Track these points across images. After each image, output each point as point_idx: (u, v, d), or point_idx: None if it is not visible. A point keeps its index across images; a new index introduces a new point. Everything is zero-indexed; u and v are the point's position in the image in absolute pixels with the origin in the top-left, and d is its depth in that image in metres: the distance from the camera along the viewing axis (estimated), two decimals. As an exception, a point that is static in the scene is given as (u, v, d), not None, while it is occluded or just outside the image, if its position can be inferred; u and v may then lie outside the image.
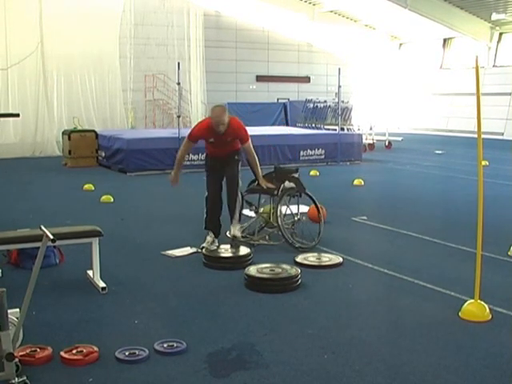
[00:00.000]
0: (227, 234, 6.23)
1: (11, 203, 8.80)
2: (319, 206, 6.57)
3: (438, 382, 3.33)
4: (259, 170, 6.32)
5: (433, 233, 6.81)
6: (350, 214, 7.85)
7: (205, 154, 6.44)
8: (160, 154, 12.35)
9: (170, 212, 8.21)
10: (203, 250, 5.77)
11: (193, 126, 6.53)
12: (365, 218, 7.66)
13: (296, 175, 6.47)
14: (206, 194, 6.26)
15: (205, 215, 6.25)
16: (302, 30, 24.94)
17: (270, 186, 6.31)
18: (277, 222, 6.09)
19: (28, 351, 3.53)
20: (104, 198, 8.93)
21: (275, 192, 6.24)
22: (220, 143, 6.06)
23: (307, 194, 6.50)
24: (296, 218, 6.36)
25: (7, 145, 15.73)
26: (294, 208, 6.38)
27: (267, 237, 6.24)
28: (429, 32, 25.27)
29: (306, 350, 3.71)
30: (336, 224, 7.25)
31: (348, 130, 17.91)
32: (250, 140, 6.18)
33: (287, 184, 6.31)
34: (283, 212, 6.48)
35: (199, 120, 20.42)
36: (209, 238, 6.05)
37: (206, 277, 5.22)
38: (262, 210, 6.53)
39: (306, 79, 25.76)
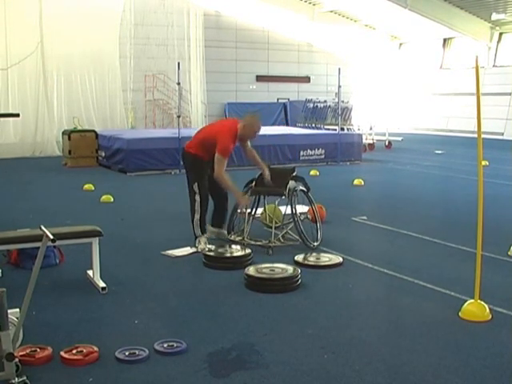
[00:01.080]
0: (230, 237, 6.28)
1: (11, 203, 8.80)
2: (317, 206, 6.57)
3: (438, 382, 3.33)
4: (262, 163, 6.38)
5: (433, 233, 6.81)
6: (350, 213, 7.85)
7: (194, 160, 6.17)
8: (160, 154, 12.34)
9: (169, 212, 8.20)
10: (203, 251, 5.77)
11: (219, 141, 5.93)
12: (365, 217, 7.66)
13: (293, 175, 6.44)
14: (199, 199, 6.09)
15: (199, 220, 6.13)
16: (302, 30, 24.93)
17: (268, 178, 6.26)
18: (294, 221, 6.03)
19: (28, 351, 3.53)
20: (104, 197, 8.93)
21: (284, 192, 6.19)
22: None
23: (307, 196, 6.49)
24: (302, 218, 6.31)
25: (7, 145, 15.72)
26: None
27: (281, 238, 6.12)
28: (429, 32, 25.27)
29: (306, 350, 3.71)
30: (336, 224, 7.25)
31: (348, 129, 17.92)
32: None
33: (291, 184, 6.28)
34: (283, 212, 6.49)
35: (198, 119, 20.62)
36: (205, 239, 6.07)
37: (206, 277, 5.22)
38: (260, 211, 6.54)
39: (306, 79, 25.76)
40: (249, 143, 6.31)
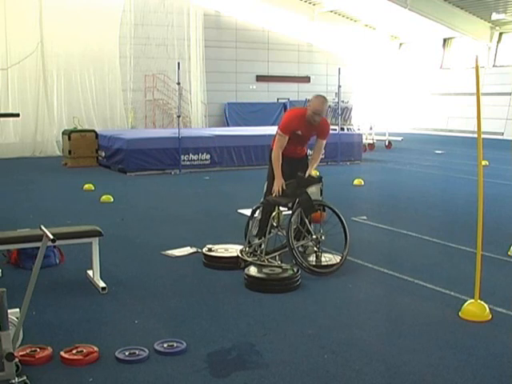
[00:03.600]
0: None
1: (11, 203, 8.80)
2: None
3: (438, 382, 3.33)
4: (315, 165, 5.90)
5: (433, 233, 6.81)
6: (350, 213, 7.82)
7: (269, 155, 5.78)
8: (160, 154, 12.35)
9: (170, 212, 8.21)
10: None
11: (282, 121, 5.83)
12: (365, 217, 7.66)
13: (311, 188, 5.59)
14: (261, 200, 5.77)
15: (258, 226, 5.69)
16: (302, 30, 24.92)
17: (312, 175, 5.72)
18: (288, 240, 5.29)
19: (28, 351, 3.53)
20: (104, 197, 8.93)
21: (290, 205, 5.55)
22: (302, 138, 5.74)
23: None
24: (314, 236, 5.57)
25: (7, 145, 15.73)
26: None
27: (277, 257, 5.39)
28: (429, 32, 25.26)
29: (306, 350, 3.71)
30: (336, 224, 7.23)
31: (348, 129, 17.91)
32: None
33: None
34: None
35: (198, 119, 20.63)
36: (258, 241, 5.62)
37: (206, 277, 5.21)
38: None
39: (306, 79, 25.75)
40: (321, 142, 5.85)
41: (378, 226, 7.31)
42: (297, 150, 5.85)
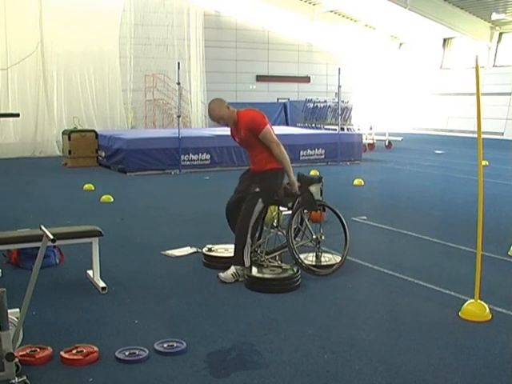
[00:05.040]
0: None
1: (11, 203, 8.80)
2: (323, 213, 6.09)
3: (438, 382, 3.33)
4: (286, 165, 5.41)
5: (433, 233, 6.81)
6: (350, 213, 7.81)
7: None
8: (160, 154, 12.36)
9: (170, 212, 8.21)
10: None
11: None
12: (365, 217, 7.66)
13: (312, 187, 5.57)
14: None
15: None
16: (302, 30, 24.93)
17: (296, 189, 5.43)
18: (288, 240, 5.24)
19: (28, 351, 3.53)
20: (104, 197, 8.93)
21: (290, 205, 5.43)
22: (243, 142, 5.58)
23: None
24: (314, 236, 5.53)
25: (7, 145, 15.73)
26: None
27: (277, 257, 5.36)
28: (429, 32, 25.27)
29: (306, 350, 3.71)
30: (336, 224, 7.22)
31: (348, 129, 17.91)
32: (266, 128, 5.36)
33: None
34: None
35: (198, 119, 20.64)
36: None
37: (206, 277, 5.21)
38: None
39: (306, 79, 25.76)
40: (272, 138, 5.48)
41: (378, 225, 7.31)
42: (257, 160, 5.56)
